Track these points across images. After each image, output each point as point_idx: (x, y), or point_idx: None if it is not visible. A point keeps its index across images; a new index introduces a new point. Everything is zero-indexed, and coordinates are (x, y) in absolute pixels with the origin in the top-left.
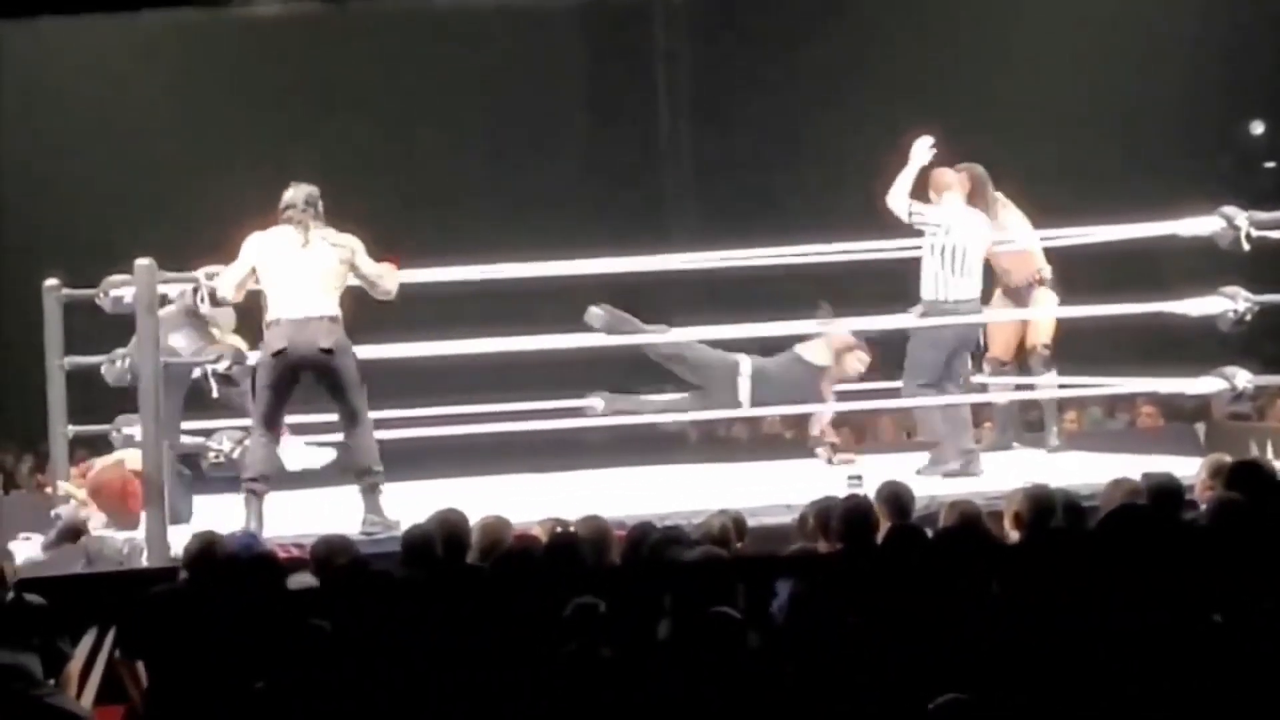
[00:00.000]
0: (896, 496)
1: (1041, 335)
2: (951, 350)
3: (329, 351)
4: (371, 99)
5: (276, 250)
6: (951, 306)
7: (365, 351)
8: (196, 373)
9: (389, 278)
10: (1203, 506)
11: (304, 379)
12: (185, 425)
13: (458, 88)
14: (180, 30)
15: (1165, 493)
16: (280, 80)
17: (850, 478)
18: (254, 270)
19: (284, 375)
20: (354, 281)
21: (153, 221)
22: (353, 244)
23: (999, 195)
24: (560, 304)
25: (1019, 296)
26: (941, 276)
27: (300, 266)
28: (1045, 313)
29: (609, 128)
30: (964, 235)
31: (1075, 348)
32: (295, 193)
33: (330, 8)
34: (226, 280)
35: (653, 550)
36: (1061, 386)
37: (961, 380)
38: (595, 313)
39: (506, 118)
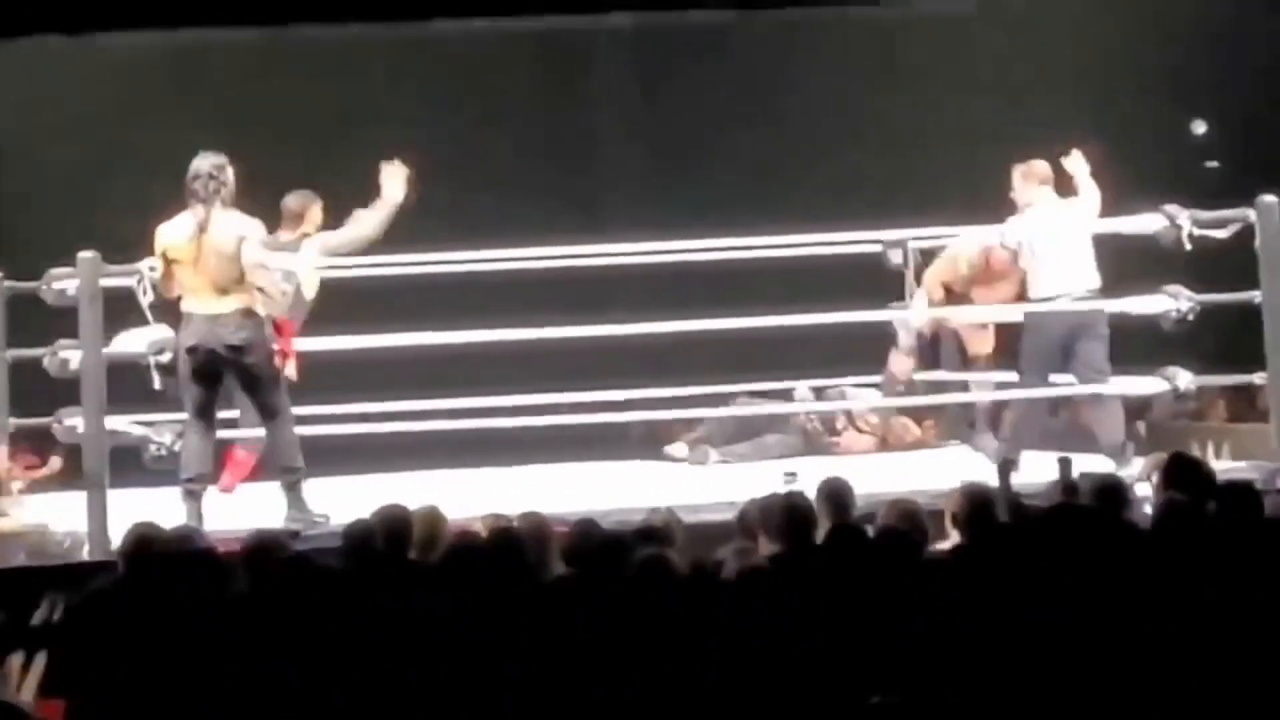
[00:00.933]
0: (836, 494)
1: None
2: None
3: (238, 349)
4: (321, 118)
5: (180, 237)
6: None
7: (309, 344)
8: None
9: (267, 276)
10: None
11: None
12: (126, 418)
13: (406, 110)
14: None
15: (1108, 492)
16: (233, 92)
17: (786, 474)
18: (167, 260)
19: (201, 371)
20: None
21: (98, 215)
22: (247, 230)
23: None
24: (505, 299)
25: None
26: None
27: (200, 256)
28: (984, 313)
29: (555, 154)
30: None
31: (1018, 346)
32: (200, 163)
33: (277, 31)
34: (159, 282)
35: (595, 549)
36: (1003, 385)
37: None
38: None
39: (455, 138)
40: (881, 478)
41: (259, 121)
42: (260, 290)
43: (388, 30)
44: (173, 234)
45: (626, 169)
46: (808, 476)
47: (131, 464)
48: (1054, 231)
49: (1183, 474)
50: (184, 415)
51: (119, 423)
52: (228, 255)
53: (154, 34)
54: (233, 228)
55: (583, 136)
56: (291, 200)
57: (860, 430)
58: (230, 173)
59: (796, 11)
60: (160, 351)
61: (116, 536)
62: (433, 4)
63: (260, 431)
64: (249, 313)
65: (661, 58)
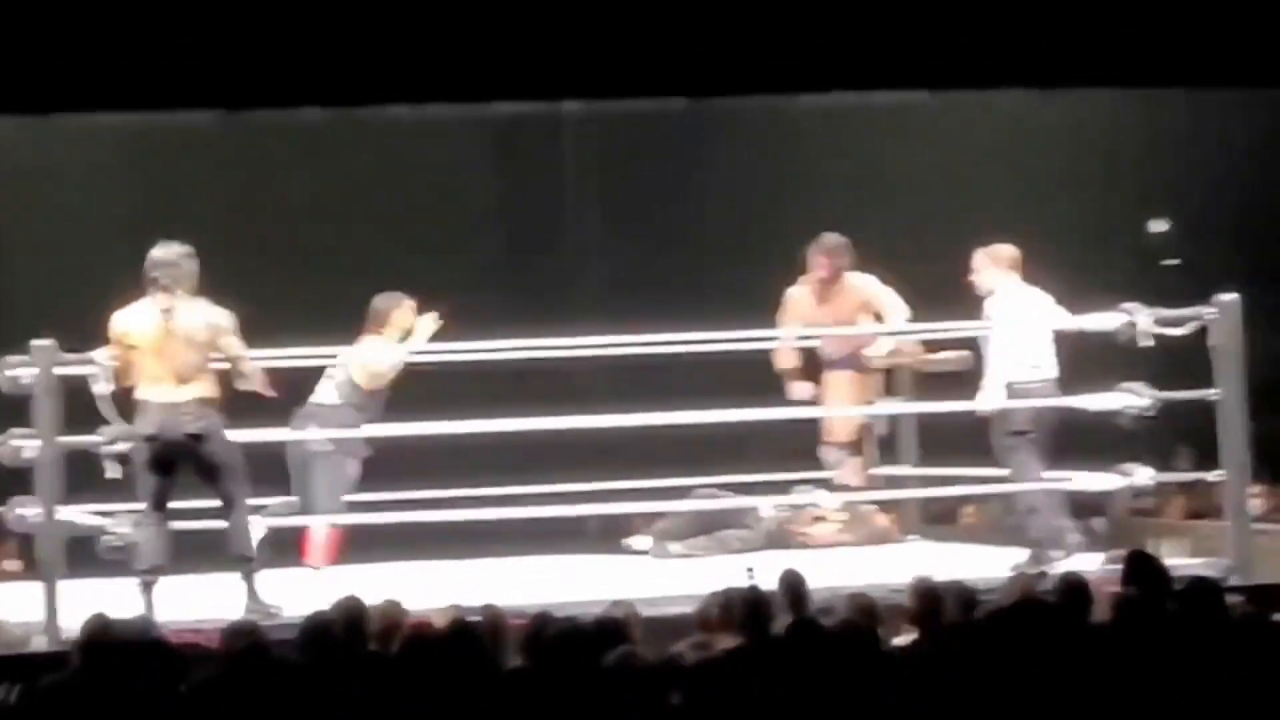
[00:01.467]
0: (793, 586)
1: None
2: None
3: (197, 437)
4: (288, 199)
5: (144, 325)
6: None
7: (254, 436)
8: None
9: (250, 366)
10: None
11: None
12: (81, 508)
13: (374, 193)
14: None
15: (1074, 591)
16: (187, 172)
17: (747, 569)
18: (125, 347)
19: (159, 460)
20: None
21: (56, 302)
22: (219, 320)
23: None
24: (466, 389)
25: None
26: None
27: (165, 343)
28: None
29: (522, 237)
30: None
31: (978, 441)
32: (164, 252)
33: (237, 116)
34: (106, 366)
35: (552, 642)
36: (964, 480)
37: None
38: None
39: (421, 222)
40: (842, 571)
41: (214, 202)
42: (241, 374)
43: (343, 114)
44: (134, 321)
45: (591, 253)
46: (771, 570)
47: (87, 554)
48: (1026, 317)
49: (1142, 570)
50: (140, 505)
51: (73, 512)
52: (197, 342)
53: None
54: (203, 315)
55: (546, 222)
56: (378, 301)
57: (829, 521)
58: (194, 263)
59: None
60: (115, 441)
61: (71, 626)
62: (381, 90)
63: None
64: (207, 401)
65: (626, 144)
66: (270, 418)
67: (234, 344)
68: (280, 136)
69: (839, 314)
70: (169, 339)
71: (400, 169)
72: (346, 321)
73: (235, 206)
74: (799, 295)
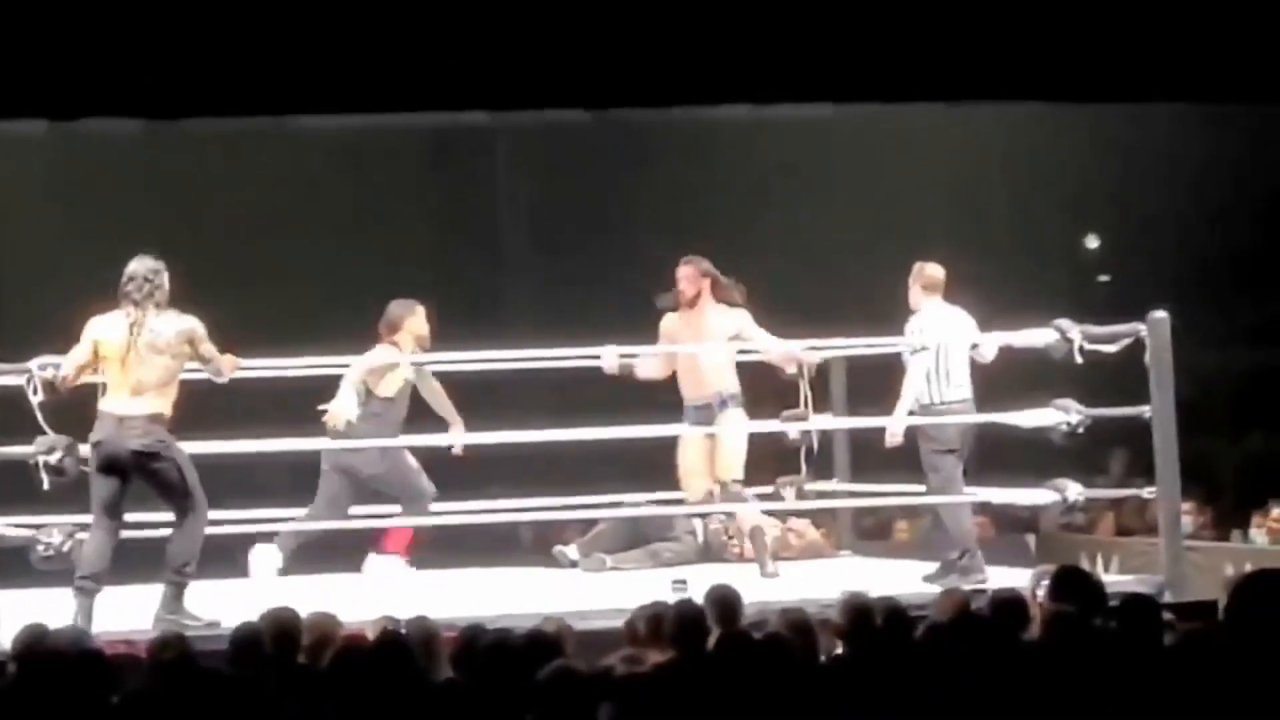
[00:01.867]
0: (724, 601)
1: (730, 469)
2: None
3: (141, 455)
4: (223, 211)
5: (110, 335)
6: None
7: (198, 447)
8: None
9: (225, 362)
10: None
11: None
12: (13, 519)
13: (306, 207)
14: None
15: (1008, 607)
16: (123, 184)
17: (675, 582)
18: (95, 354)
19: (105, 467)
20: (193, 364)
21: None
22: (192, 326)
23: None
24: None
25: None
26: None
27: (130, 355)
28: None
29: (455, 250)
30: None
31: (908, 457)
32: (136, 265)
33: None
34: (69, 359)
35: (484, 655)
36: (896, 494)
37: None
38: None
39: (353, 238)
40: (774, 586)
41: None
42: (219, 372)
43: (273, 123)
44: (107, 330)
45: (523, 265)
46: (701, 584)
47: (19, 564)
48: (947, 338)
49: (1071, 586)
50: (75, 517)
51: (4, 524)
52: (162, 355)
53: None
54: (172, 326)
55: (479, 234)
56: (392, 308)
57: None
58: (165, 277)
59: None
60: (50, 451)
61: (4, 637)
62: (312, 99)
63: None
64: (157, 418)
65: (559, 156)
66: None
67: (208, 348)
68: (216, 147)
69: (698, 337)
70: (132, 353)
71: (334, 181)
72: (281, 330)
73: (167, 217)
74: (669, 316)
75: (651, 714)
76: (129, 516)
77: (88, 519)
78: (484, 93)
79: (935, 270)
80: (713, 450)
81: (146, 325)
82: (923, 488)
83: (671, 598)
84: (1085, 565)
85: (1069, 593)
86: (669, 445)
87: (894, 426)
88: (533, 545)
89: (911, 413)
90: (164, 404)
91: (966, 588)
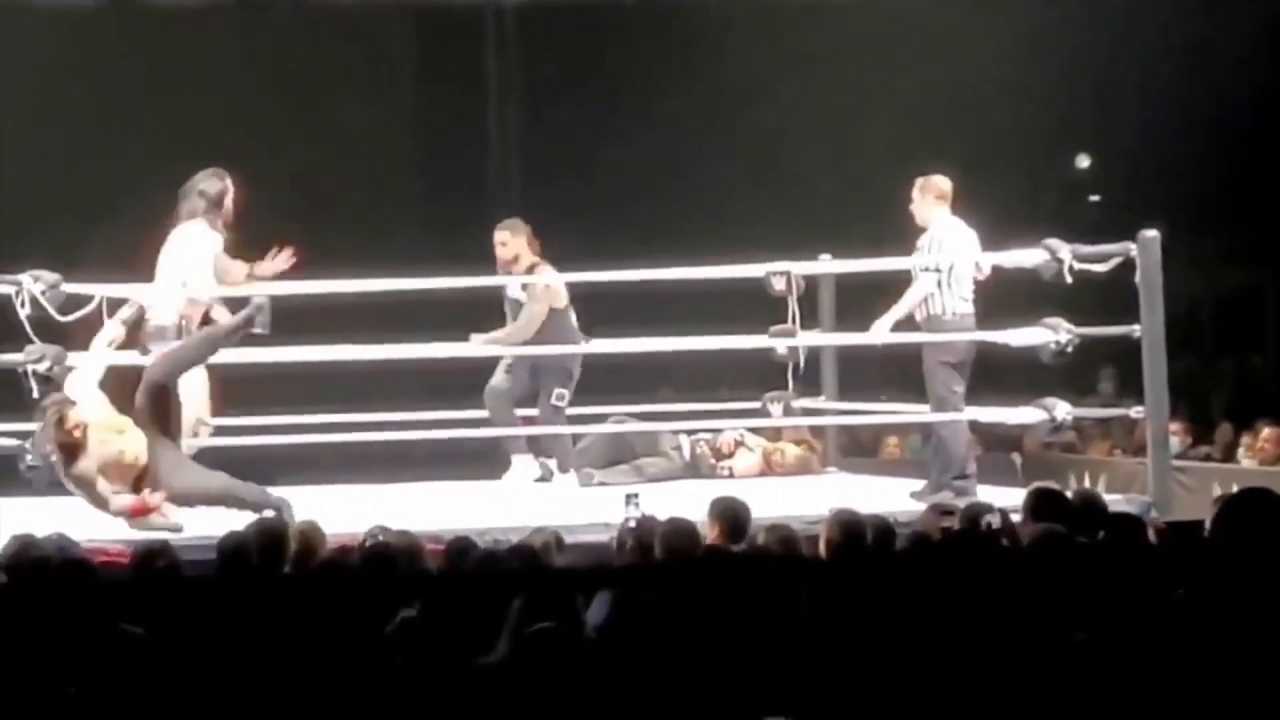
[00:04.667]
0: (733, 513)
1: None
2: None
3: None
4: (200, 95)
5: None
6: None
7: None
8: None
9: (236, 273)
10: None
11: None
12: (3, 426)
13: (284, 88)
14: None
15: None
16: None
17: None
18: None
19: None
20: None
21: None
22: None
23: None
24: (392, 315)
25: None
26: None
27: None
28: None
29: (440, 135)
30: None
31: (904, 374)
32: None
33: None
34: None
35: (476, 565)
36: (889, 412)
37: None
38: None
39: (338, 121)
40: (761, 502)
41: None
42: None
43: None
44: None
45: (512, 170)
46: (691, 500)
47: (9, 473)
48: (959, 252)
49: (1048, 506)
50: None
51: None
52: (166, 270)
53: None
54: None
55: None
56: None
57: (750, 449)
58: (217, 189)
59: None
60: (40, 359)
61: None
62: None
63: None
64: (160, 329)
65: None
66: None
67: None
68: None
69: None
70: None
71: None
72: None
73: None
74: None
75: (647, 605)
76: None
77: None
78: None
79: (943, 182)
80: None
81: (170, 239)
82: (914, 405)
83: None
84: (1073, 484)
85: (1043, 513)
86: (657, 361)
87: (879, 328)
88: None
89: (915, 324)
90: (166, 313)
91: (960, 506)
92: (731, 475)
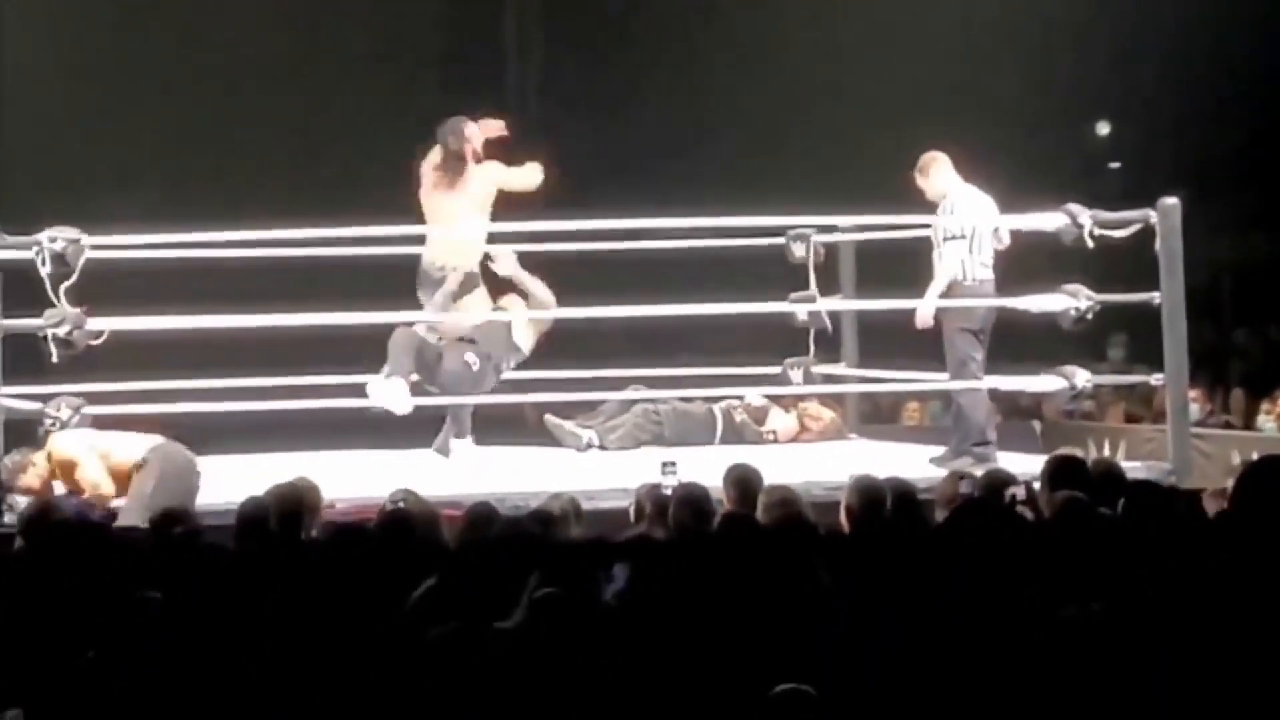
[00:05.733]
0: (745, 480)
1: None
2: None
3: None
4: (219, 55)
5: None
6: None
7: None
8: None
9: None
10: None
11: None
12: (23, 390)
13: (302, 48)
14: None
15: (997, 488)
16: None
17: (665, 464)
18: None
19: None
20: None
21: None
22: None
23: None
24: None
25: None
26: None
27: None
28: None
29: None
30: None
31: (918, 340)
32: None
33: None
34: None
35: (499, 532)
36: (906, 381)
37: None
38: None
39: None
40: (781, 469)
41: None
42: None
43: None
44: None
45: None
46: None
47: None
48: (981, 218)
49: (1066, 474)
50: (81, 387)
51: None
52: None
53: None
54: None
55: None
56: None
57: (784, 410)
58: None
59: None
60: (59, 323)
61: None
62: None
63: None
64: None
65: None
66: None
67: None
68: None
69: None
70: None
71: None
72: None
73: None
74: None
75: (663, 579)
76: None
77: (96, 388)
78: None
79: (938, 152)
80: None
81: None
82: (933, 373)
83: (664, 480)
84: (1093, 452)
85: (1060, 481)
86: (674, 325)
87: (925, 309)
88: (537, 425)
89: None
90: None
91: (978, 473)
92: (776, 440)
